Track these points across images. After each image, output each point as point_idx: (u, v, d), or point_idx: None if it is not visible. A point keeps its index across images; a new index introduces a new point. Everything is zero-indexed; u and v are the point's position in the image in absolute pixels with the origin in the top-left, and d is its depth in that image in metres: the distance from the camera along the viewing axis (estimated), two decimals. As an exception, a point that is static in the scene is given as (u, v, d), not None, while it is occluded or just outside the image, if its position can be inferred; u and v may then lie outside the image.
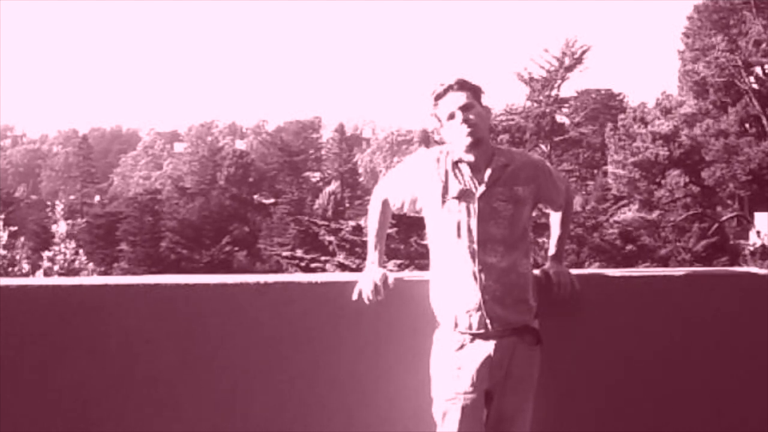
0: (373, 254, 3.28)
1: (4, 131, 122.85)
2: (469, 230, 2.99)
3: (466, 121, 3.01)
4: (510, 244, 3.00)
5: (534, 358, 3.07)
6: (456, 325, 3.00)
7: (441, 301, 3.07)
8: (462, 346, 3.00)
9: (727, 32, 31.75)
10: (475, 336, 2.99)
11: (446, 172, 3.06)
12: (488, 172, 3.03)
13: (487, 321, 2.97)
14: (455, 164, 3.06)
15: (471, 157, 3.04)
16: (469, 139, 3.01)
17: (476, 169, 3.04)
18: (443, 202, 3.03)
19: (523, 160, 3.14)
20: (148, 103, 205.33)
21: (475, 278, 2.97)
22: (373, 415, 3.30)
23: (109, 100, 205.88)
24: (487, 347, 2.98)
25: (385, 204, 3.26)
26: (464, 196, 3.02)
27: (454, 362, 3.00)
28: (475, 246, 2.97)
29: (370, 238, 3.31)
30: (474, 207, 3.00)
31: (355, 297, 3.16)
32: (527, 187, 3.07)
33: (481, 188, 3.02)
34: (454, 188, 3.03)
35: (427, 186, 3.08)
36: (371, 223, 3.31)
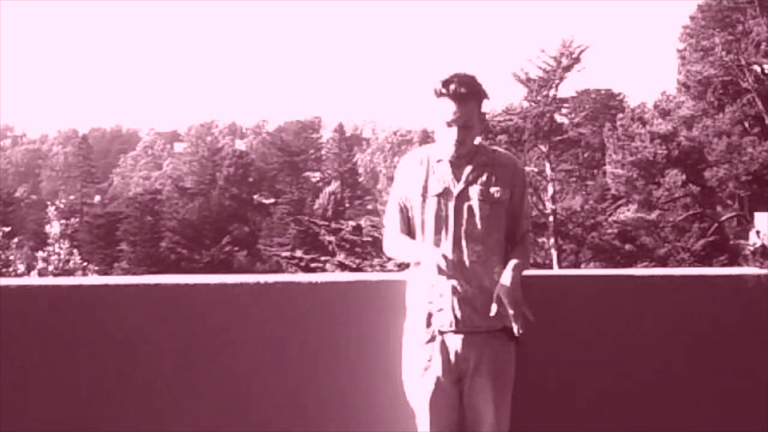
0: (417, 246, 3.08)
1: (4, 131, 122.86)
2: (446, 229, 2.99)
3: (459, 140, 2.98)
4: (487, 246, 2.98)
5: (507, 354, 3.04)
6: (427, 324, 3.01)
7: (414, 297, 3.08)
8: (431, 339, 3.00)
9: (731, 31, 31.73)
10: (443, 332, 2.99)
11: (427, 172, 3.06)
12: (467, 170, 3.03)
13: (455, 321, 2.96)
14: (438, 162, 3.06)
15: (451, 158, 3.04)
16: (453, 152, 3.01)
17: (456, 167, 3.04)
18: (423, 200, 3.04)
19: (505, 162, 3.11)
20: (148, 103, 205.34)
21: (448, 277, 2.96)
22: (373, 414, 3.30)
23: (109, 100, 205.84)
24: (455, 340, 2.98)
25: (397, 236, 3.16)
26: (443, 194, 3.02)
27: (425, 354, 3.01)
28: (450, 245, 2.97)
29: (407, 247, 3.09)
30: (451, 205, 3.00)
31: (443, 266, 2.89)
32: (505, 190, 3.04)
33: (459, 186, 3.02)
34: (434, 187, 3.04)
35: (412, 188, 3.08)
36: (399, 245, 3.12)
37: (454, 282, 2.96)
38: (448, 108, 2.98)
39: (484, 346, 2.99)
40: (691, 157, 31.79)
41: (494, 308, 2.92)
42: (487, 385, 2.99)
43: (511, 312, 2.90)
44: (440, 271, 2.91)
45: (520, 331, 2.92)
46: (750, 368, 3.44)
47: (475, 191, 3.01)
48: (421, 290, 3.05)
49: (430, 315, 3.01)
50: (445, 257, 2.90)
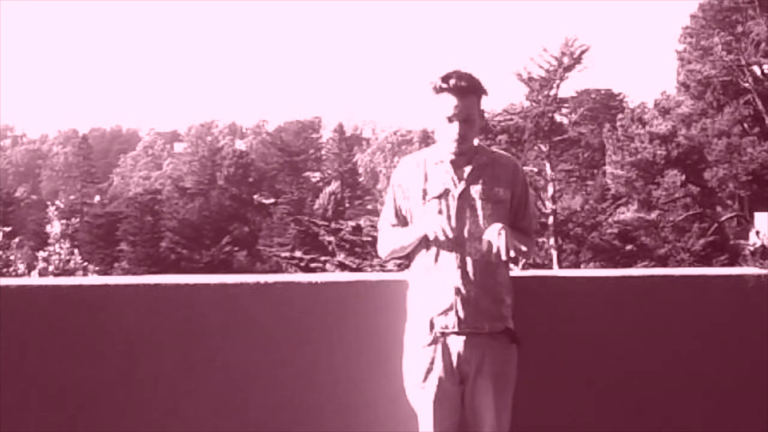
0: (414, 225, 3.08)
1: (4, 131, 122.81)
2: (449, 228, 2.97)
3: (461, 135, 2.98)
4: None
5: (508, 356, 3.04)
6: (431, 325, 3.00)
7: (417, 299, 3.06)
8: (433, 341, 3.00)
9: (731, 31, 31.72)
10: (446, 333, 2.99)
11: (426, 173, 3.05)
12: (467, 170, 3.03)
13: (458, 322, 2.96)
14: (436, 164, 3.06)
15: (452, 156, 3.04)
16: (455, 147, 3.01)
17: (457, 167, 3.04)
18: (425, 202, 3.03)
19: (505, 162, 3.12)
20: (148, 103, 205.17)
21: (451, 277, 2.96)
22: (373, 415, 3.30)
23: (109, 100, 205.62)
24: (458, 342, 2.98)
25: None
26: (444, 195, 3.02)
27: (427, 356, 3.01)
28: (453, 245, 2.97)
29: (405, 235, 3.09)
30: (453, 206, 3.00)
31: (440, 234, 2.91)
32: (506, 190, 3.05)
33: (461, 186, 3.02)
34: (434, 188, 3.03)
35: (410, 192, 3.07)
36: (396, 235, 3.13)
37: (458, 283, 2.96)
38: (449, 103, 2.99)
39: (486, 348, 2.99)
40: (690, 157, 31.78)
41: (485, 242, 2.89)
42: (489, 387, 2.99)
43: (499, 236, 2.86)
44: (441, 239, 2.89)
45: (510, 256, 2.89)
46: (750, 368, 3.44)
47: (476, 190, 3.01)
48: (423, 292, 3.04)
49: (432, 317, 3.00)
50: (445, 228, 2.88)
